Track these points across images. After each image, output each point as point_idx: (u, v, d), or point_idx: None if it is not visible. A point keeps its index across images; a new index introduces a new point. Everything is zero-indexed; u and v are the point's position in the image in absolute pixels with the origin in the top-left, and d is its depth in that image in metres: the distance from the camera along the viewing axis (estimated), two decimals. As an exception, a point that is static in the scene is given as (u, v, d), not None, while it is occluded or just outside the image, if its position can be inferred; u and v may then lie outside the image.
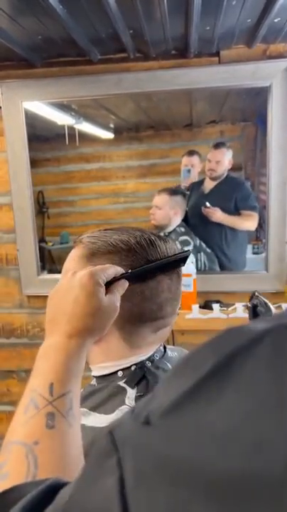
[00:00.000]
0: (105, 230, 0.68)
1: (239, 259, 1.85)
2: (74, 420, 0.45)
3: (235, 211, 1.80)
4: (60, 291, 0.56)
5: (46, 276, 1.71)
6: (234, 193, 1.81)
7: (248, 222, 1.80)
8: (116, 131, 2.04)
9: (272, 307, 0.70)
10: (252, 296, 0.72)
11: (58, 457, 0.41)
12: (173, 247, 0.68)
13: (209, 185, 1.85)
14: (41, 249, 1.84)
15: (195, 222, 1.86)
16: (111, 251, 0.64)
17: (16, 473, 0.37)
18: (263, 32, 1.30)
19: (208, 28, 1.26)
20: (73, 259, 0.68)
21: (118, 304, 0.57)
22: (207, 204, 1.79)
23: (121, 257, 0.64)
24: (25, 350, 1.77)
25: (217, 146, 1.81)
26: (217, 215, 1.80)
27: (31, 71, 1.54)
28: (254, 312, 0.71)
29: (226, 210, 1.79)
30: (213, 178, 1.82)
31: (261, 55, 1.45)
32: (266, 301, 0.70)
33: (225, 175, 1.81)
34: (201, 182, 1.87)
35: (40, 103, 1.60)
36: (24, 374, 1.79)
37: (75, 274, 0.57)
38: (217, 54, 1.47)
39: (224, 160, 1.79)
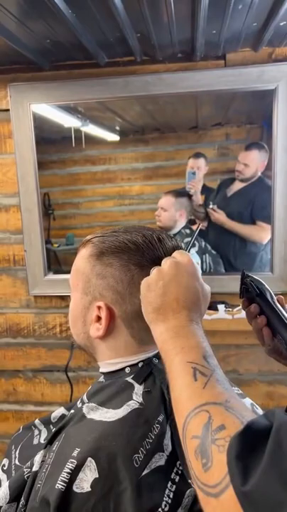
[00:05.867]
0: (114, 229, 0.70)
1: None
2: (228, 382, 0.51)
3: (250, 219, 1.72)
4: (164, 278, 0.58)
5: (52, 276, 1.73)
6: (255, 198, 1.72)
7: (257, 233, 1.70)
8: (122, 133, 2.05)
9: (265, 285, 0.70)
10: (243, 276, 0.71)
11: (244, 407, 0.46)
12: (180, 246, 0.70)
13: (235, 186, 1.79)
14: (47, 251, 1.85)
15: (209, 224, 1.84)
16: (119, 250, 0.66)
17: (231, 423, 0.42)
18: (268, 35, 1.31)
19: (214, 31, 1.27)
20: (82, 257, 0.70)
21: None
22: (211, 205, 1.78)
23: (130, 255, 0.65)
24: (31, 349, 1.78)
25: (249, 147, 1.72)
26: (216, 216, 1.75)
27: (39, 74, 1.56)
28: (247, 292, 0.71)
29: (244, 217, 1.73)
30: (241, 180, 1.76)
31: (266, 58, 1.46)
32: (258, 279, 0.70)
33: (256, 178, 1.72)
34: (231, 181, 1.80)
35: (48, 106, 1.62)
36: (30, 374, 1.80)
37: (176, 262, 0.59)
38: (223, 57, 1.48)
39: (254, 164, 1.70)
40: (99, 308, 0.67)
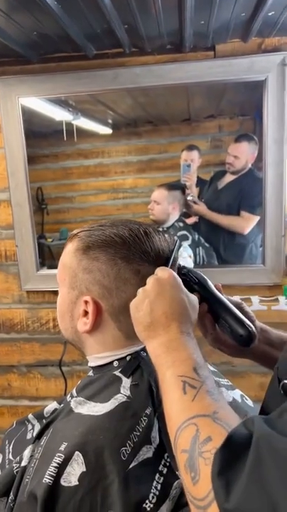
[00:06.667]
0: (100, 223, 0.70)
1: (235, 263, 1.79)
2: (220, 392, 0.52)
3: (237, 210, 1.72)
4: (149, 296, 0.59)
5: (45, 272, 1.72)
6: (243, 189, 1.72)
7: (238, 224, 1.70)
8: (115, 126, 2.04)
9: (203, 274, 0.72)
10: (179, 268, 0.72)
11: (232, 416, 0.47)
12: (167, 239, 0.70)
13: (226, 179, 1.80)
14: (41, 246, 1.85)
15: (200, 217, 1.85)
16: (106, 244, 0.66)
17: (218, 434, 0.43)
18: (257, 26, 1.30)
19: (202, 22, 1.26)
20: (69, 252, 0.70)
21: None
22: (189, 197, 1.77)
23: (116, 249, 0.65)
24: (25, 344, 1.78)
25: (238, 139, 1.71)
26: (196, 207, 1.74)
27: (27, 67, 1.55)
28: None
29: (233, 209, 1.72)
30: (232, 173, 1.76)
31: (256, 49, 1.45)
32: (195, 270, 0.72)
33: (246, 170, 1.72)
34: (223, 173, 1.80)
35: (37, 99, 1.61)
36: (25, 369, 1.80)
37: (157, 279, 0.60)
38: (213, 48, 1.47)
39: (244, 156, 1.70)
40: (85, 302, 0.66)
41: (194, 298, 0.63)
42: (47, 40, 1.36)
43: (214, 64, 1.45)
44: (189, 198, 1.78)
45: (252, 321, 0.71)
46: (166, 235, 0.71)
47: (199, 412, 0.46)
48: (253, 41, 1.45)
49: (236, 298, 0.75)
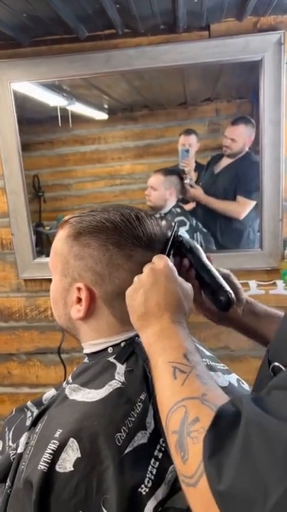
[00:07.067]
0: (92, 209, 0.69)
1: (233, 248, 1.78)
2: (210, 376, 0.53)
3: (233, 194, 1.70)
4: (144, 286, 0.59)
5: (41, 260, 1.71)
6: (240, 173, 1.70)
7: (234, 208, 1.68)
8: (111, 111, 2.01)
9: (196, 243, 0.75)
10: (174, 235, 0.73)
11: (221, 397, 0.47)
12: (159, 224, 0.69)
13: (223, 163, 1.77)
14: (39, 234, 1.84)
15: (197, 203, 1.83)
16: (97, 229, 0.65)
17: (205, 415, 0.43)
18: (252, 4, 1.27)
19: (196, 0, 1.23)
20: (60, 239, 0.69)
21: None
22: (187, 180, 1.76)
23: (107, 235, 0.64)
24: (24, 333, 1.79)
25: (235, 121, 1.69)
26: (192, 191, 1.73)
27: (19, 51, 1.51)
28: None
29: (230, 193, 1.71)
30: (229, 156, 1.74)
31: (251, 28, 1.42)
32: (189, 238, 0.75)
33: (243, 153, 1.70)
34: (219, 157, 1.79)
35: (30, 84, 1.57)
36: (24, 356, 1.81)
37: (153, 269, 0.60)
38: (207, 28, 1.44)
39: (241, 138, 1.67)
40: (78, 289, 0.66)
41: (188, 287, 0.63)
42: (38, 22, 1.33)
43: (208, 44, 1.42)
44: (186, 181, 1.76)
45: (237, 291, 0.75)
46: (159, 220, 0.70)
47: (189, 395, 0.47)
48: (249, 20, 1.41)
49: (225, 270, 0.78)
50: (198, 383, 0.49)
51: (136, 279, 0.61)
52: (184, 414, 0.45)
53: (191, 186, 1.78)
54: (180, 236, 0.74)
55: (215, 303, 0.70)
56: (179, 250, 0.72)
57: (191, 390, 0.48)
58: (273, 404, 0.40)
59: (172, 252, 0.71)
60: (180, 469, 0.43)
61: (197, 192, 1.77)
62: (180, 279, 0.62)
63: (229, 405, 0.43)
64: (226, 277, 0.74)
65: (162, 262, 0.61)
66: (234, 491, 0.36)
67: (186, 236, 0.77)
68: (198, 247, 0.75)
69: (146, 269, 0.61)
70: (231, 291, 0.69)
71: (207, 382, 0.49)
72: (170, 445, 0.47)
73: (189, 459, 0.42)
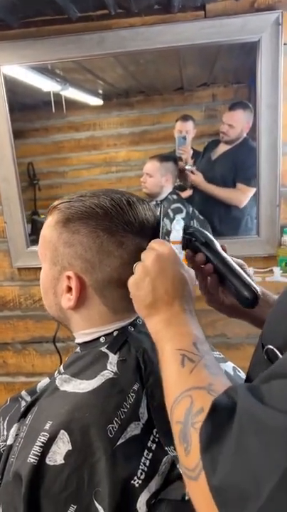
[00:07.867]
0: (81, 194, 0.66)
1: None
2: (218, 366, 0.52)
3: (233, 182, 1.68)
4: (150, 274, 0.57)
5: (36, 248, 1.68)
6: (239, 160, 1.67)
7: (236, 196, 1.65)
8: (105, 97, 1.97)
9: (209, 235, 0.71)
10: (185, 228, 0.71)
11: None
12: (151, 208, 0.67)
13: (220, 149, 1.74)
14: (34, 222, 1.81)
15: (194, 189, 1.80)
16: (86, 215, 0.62)
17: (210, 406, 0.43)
18: (250, -19, 1.23)
19: (191, -22, 1.19)
20: (49, 225, 0.66)
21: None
22: (187, 167, 1.73)
23: (97, 221, 0.62)
24: (18, 322, 1.77)
25: (233, 107, 1.66)
26: (193, 177, 1.70)
27: (7, 33, 1.47)
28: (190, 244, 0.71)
29: (228, 180, 1.69)
30: (226, 142, 1.71)
31: (248, 7, 1.38)
32: (201, 230, 0.71)
33: (241, 140, 1.67)
34: (216, 143, 1.75)
35: (20, 67, 1.53)
36: (19, 346, 1.80)
37: (158, 255, 0.57)
38: (203, 8, 1.39)
39: (239, 124, 1.64)
40: (68, 278, 0.64)
41: (191, 271, 0.62)
42: (27, 2, 1.29)
43: (204, 24, 1.38)
44: (187, 167, 1.74)
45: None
46: (151, 204, 0.67)
47: (195, 384, 0.46)
48: (246, -1, 1.37)
49: (239, 260, 0.74)
50: (206, 373, 0.48)
51: (139, 267, 0.58)
52: (189, 404, 0.44)
53: (192, 172, 1.75)
54: (190, 226, 0.71)
55: (240, 300, 0.66)
56: (192, 244, 0.68)
57: (198, 379, 0.47)
58: (273, 394, 0.38)
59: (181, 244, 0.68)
60: (183, 461, 0.42)
61: (198, 178, 1.74)
62: (184, 264, 0.60)
63: (225, 396, 0.42)
64: (241, 268, 0.70)
65: (166, 248, 0.58)
66: (227, 485, 0.35)
67: (196, 227, 0.72)
68: (211, 237, 0.70)
69: (150, 255, 0.58)
70: (257, 288, 0.65)
71: (215, 373, 0.48)
72: (174, 435, 0.46)
73: (191, 451, 0.41)
